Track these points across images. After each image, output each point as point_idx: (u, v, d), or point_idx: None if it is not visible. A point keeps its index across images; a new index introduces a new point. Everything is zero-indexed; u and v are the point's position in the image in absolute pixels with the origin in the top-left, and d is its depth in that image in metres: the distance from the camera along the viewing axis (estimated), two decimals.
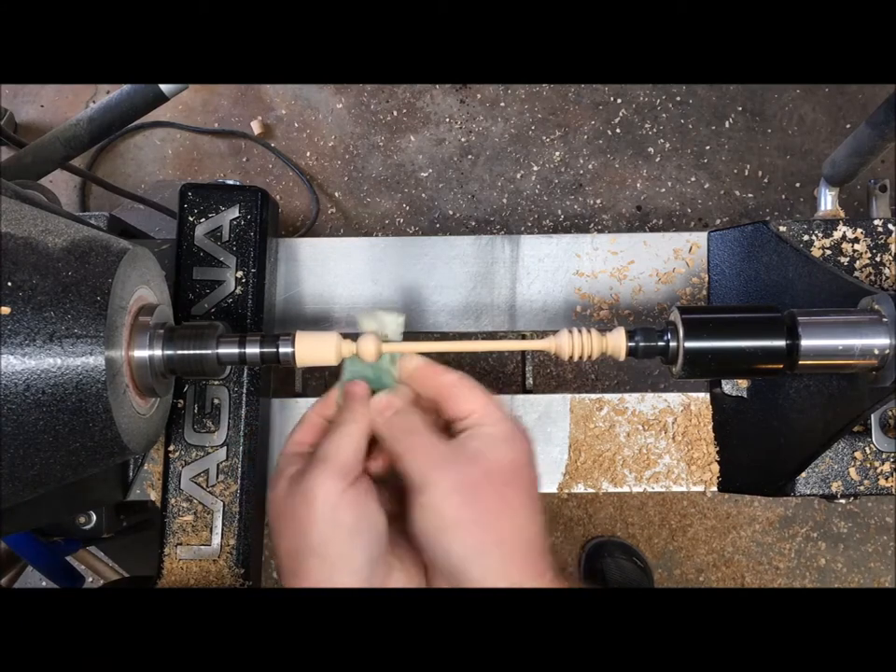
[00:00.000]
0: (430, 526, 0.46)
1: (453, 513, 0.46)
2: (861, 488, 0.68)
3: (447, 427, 0.51)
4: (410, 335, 0.77)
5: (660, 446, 0.74)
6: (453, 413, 0.50)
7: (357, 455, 0.49)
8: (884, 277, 0.70)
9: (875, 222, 0.71)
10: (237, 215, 0.72)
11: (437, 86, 1.79)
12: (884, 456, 0.68)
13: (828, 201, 1.32)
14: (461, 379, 0.51)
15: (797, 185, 1.73)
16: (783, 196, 1.73)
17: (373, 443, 0.52)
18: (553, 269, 0.78)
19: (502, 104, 1.78)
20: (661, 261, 0.77)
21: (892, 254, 0.70)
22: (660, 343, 0.54)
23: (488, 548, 0.46)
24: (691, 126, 1.76)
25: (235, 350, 0.56)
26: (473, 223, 1.74)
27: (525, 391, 0.80)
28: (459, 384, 0.51)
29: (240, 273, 0.71)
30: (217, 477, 0.69)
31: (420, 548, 0.49)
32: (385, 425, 0.50)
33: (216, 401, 0.70)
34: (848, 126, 1.74)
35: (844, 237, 0.71)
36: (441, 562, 0.47)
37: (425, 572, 0.51)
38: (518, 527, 0.47)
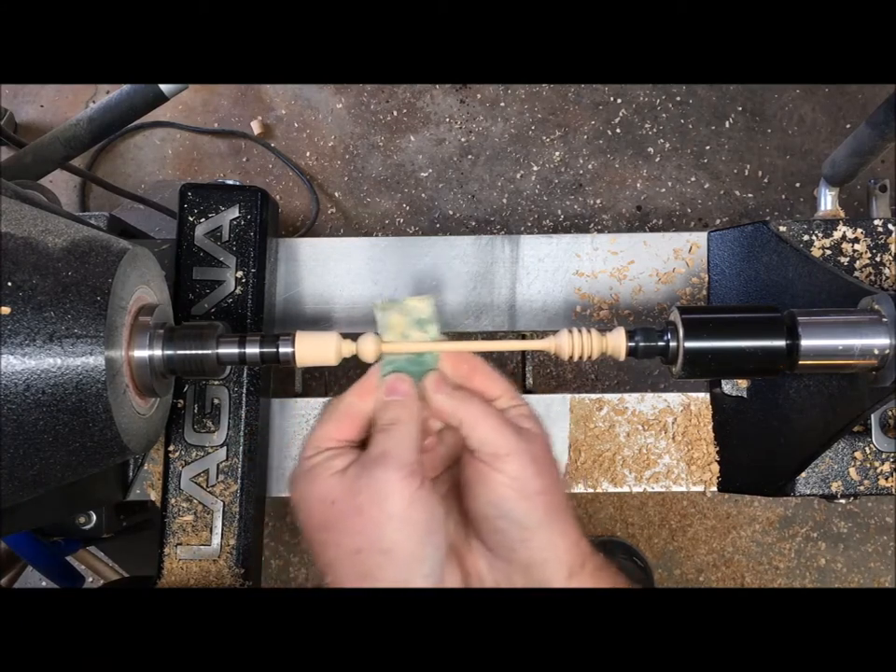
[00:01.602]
0: (510, 494, 0.48)
1: (531, 483, 0.48)
2: (861, 488, 0.68)
3: None
4: None
5: (660, 446, 0.74)
6: (485, 394, 0.52)
7: (418, 455, 0.49)
8: (884, 277, 0.70)
9: (875, 222, 0.71)
10: (237, 215, 0.72)
11: (437, 86, 1.78)
12: (884, 456, 0.68)
13: (828, 201, 1.32)
14: (485, 363, 0.53)
15: (797, 185, 1.73)
16: (783, 196, 1.73)
17: None
18: (553, 269, 0.78)
19: (502, 104, 1.78)
20: (661, 261, 0.77)
21: (892, 254, 0.70)
22: (660, 343, 0.54)
23: (553, 515, 0.49)
24: (691, 126, 1.76)
25: (235, 350, 0.56)
26: (473, 223, 1.74)
27: (525, 391, 0.80)
28: (486, 367, 0.53)
29: (240, 273, 0.71)
30: (217, 477, 0.69)
31: (480, 521, 0.50)
32: (449, 399, 0.51)
33: (216, 401, 0.70)
34: (848, 126, 1.74)
35: (844, 237, 0.71)
36: (508, 532, 0.49)
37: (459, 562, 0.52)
38: (565, 494, 0.51)
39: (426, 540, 0.47)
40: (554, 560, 0.49)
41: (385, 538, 0.46)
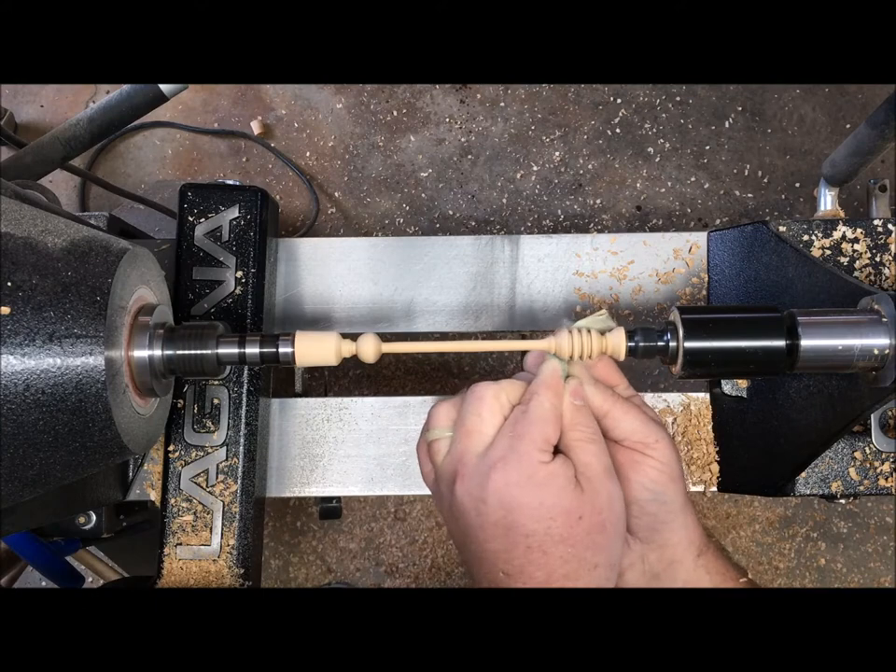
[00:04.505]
0: (663, 478, 0.51)
1: (676, 467, 0.52)
2: (861, 488, 0.68)
3: None
4: (410, 335, 0.77)
5: None
6: (607, 382, 0.56)
7: None
8: (884, 277, 0.70)
9: (875, 222, 0.71)
10: (237, 215, 0.72)
11: (437, 86, 1.79)
12: (884, 456, 0.68)
13: (828, 201, 1.32)
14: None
15: (797, 185, 1.73)
16: (783, 196, 1.73)
17: None
18: (553, 269, 0.78)
19: (502, 104, 1.79)
20: (661, 261, 0.77)
21: (892, 254, 0.70)
22: (660, 343, 0.54)
23: (687, 498, 0.53)
24: (691, 126, 1.76)
25: (235, 350, 0.56)
26: (473, 223, 1.74)
27: None
28: (606, 357, 0.55)
29: (240, 273, 0.71)
30: (217, 477, 0.69)
31: (628, 505, 0.52)
32: (598, 393, 0.53)
33: (216, 401, 0.70)
34: (848, 126, 1.74)
35: (844, 237, 0.71)
36: (657, 514, 0.52)
37: None
38: None
39: (619, 549, 0.51)
40: (687, 540, 0.53)
41: (616, 553, 0.50)
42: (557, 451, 0.52)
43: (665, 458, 0.51)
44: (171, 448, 0.69)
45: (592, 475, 0.49)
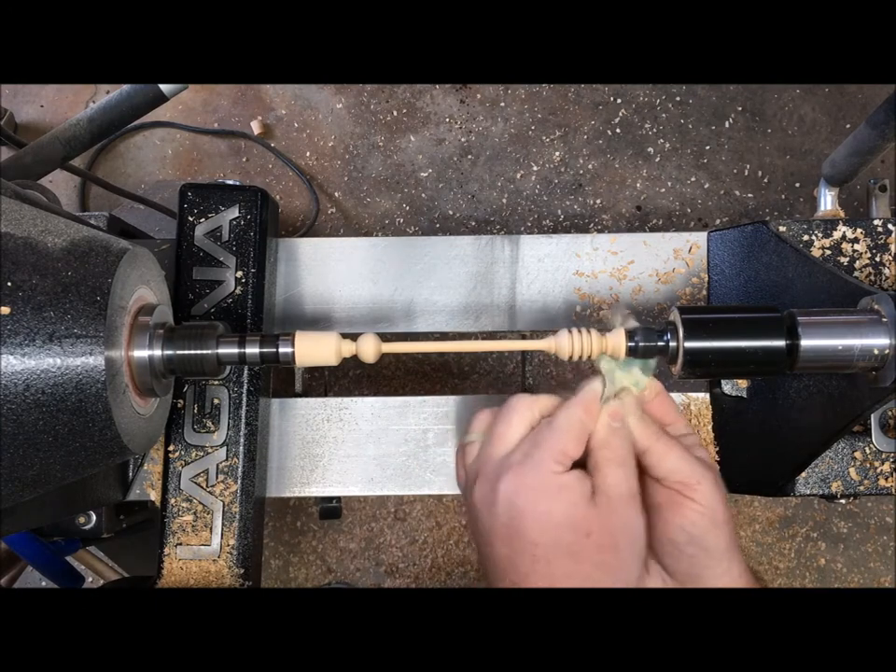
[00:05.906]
0: (703, 522, 0.49)
1: (720, 512, 0.50)
2: (861, 488, 0.68)
3: None
4: (410, 335, 0.77)
5: None
6: (661, 420, 0.54)
7: None
8: (884, 277, 0.70)
9: (875, 222, 0.71)
10: (237, 215, 0.72)
11: (437, 86, 1.79)
12: (884, 456, 0.68)
13: (828, 201, 1.32)
14: (663, 388, 0.55)
15: (797, 185, 1.73)
16: (783, 196, 1.73)
17: None
18: (553, 269, 0.78)
19: (502, 104, 1.78)
20: (661, 261, 0.77)
21: (892, 254, 0.70)
22: (660, 343, 0.54)
23: (733, 545, 0.51)
24: (691, 126, 1.76)
25: (235, 350, 0.56)
26: (473, 223, 1.74)
27: (525, 391, 0.80)
28: (665, 393, 0.55)
29: (240, 273, 0.71)
30: (217, 477, 0.69)
31: (665, 545, 0.51)
32: (642, 427, 0.52)
33: (216, 401, 0.70)
34: (848, 126, 1.74)
35: (844, 237, 0.71)
36: (696, 559, 0.50)
37: None
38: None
39: (640, 561, 0.50)
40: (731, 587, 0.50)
41: (632, 576, 0.49)
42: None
43: (706, 501, 0.49)
44: (171, 448, 0.69)
45: (612, 496, 0.48)
